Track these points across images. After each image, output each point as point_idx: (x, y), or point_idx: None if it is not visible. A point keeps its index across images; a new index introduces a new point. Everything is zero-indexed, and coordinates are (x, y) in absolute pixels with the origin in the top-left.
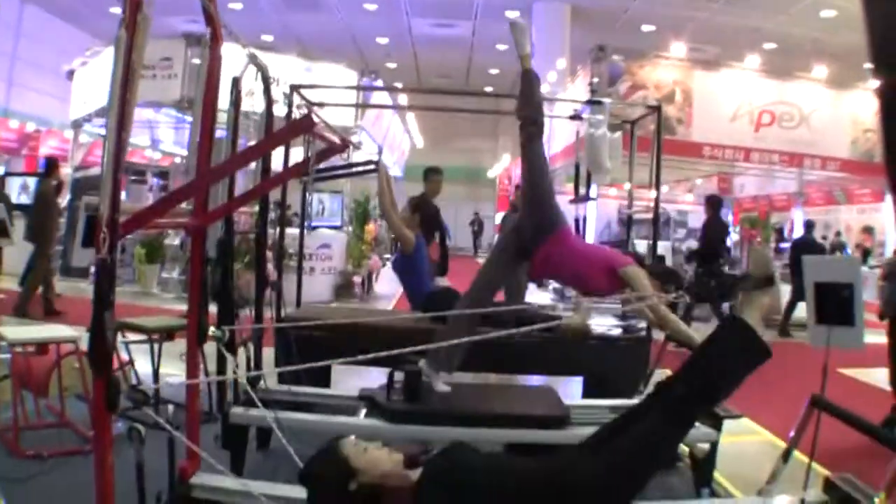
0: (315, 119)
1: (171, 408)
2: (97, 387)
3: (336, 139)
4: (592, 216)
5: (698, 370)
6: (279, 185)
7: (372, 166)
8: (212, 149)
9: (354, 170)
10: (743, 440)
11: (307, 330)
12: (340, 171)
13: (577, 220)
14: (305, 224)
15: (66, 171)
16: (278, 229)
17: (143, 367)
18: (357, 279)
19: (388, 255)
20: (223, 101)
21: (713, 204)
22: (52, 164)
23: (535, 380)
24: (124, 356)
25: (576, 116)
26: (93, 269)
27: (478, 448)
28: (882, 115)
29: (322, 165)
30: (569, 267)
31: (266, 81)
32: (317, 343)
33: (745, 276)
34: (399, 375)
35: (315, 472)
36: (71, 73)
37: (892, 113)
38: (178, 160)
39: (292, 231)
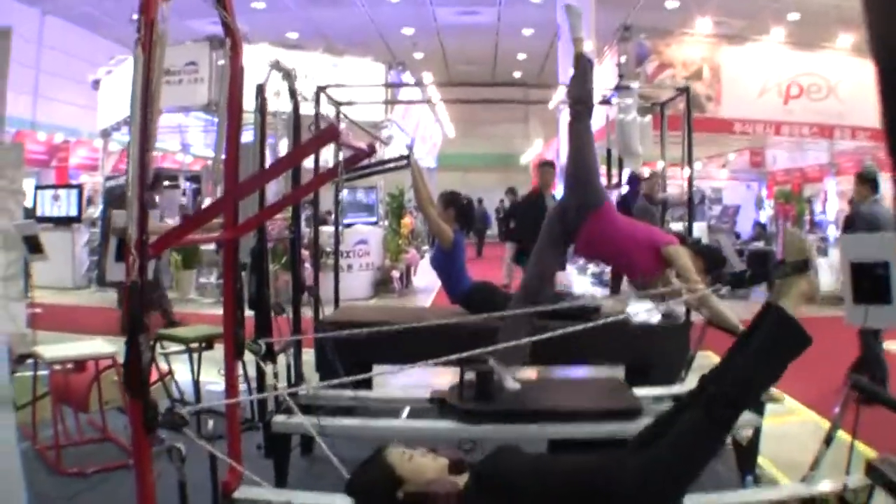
0: (342, 121)
1: (210, 423)
2: (134, 410)
3: (363, 144)
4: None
5: (739, 363)
6: (309, 193)
7: (404, 162)
8: (238, 162)
9: (386, 167)
10: (785, 420)
11: (347, 334)
12: (372, 170)
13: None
14: (340, 222)
15: (97, 181)
16: (313, 228)
17: (183, 375)
18: (395, 274)
19: (425, 248)
20: (249, 102)
21: None
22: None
23: (599, 371)
24: (164, 367)
25: (605, 101)
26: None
27: (521, 449)
28: (882, 97)
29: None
30: (612, 244)
31: (292, 87)
32: (357, 345)
33: (780, 263)
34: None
35: (361, 483)
36: (96, 83)
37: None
38: (209, 162)
39: (328, 229)
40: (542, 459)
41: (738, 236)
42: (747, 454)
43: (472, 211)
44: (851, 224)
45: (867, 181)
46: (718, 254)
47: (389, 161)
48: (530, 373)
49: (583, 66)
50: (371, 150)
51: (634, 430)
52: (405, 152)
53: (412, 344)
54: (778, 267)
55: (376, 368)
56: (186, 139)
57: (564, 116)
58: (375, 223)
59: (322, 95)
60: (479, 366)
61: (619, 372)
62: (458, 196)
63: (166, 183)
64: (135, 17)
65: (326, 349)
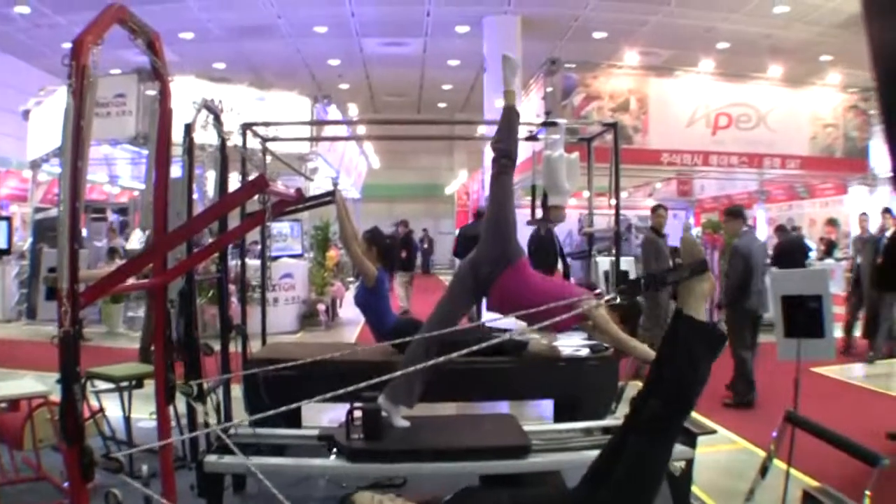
0: (268, 155)
1: (144, 467)
2: (71, 457)
3: (291, 191)
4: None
5: (664, 377)
6: (237, 238)
7: (330, 198)
8: (167, 204)
9: (312, 203)
10: (718, 449)
11: (273, 371)
12: (298, 206)
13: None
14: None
15: (25, 212)
16: (239, 263)
17: (114, 411)
18: (321, 307)
19: (350, 279)
20: (178, 135)
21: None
22: None
23: (493, 407)
24: (95, 405)
25: (532, 137)
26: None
27: (490, 492)
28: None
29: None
30: (526, 300)
31: (219, 128)
32: (284, 383)
33: (678, 267)
34: (358, 412)
35: None
36: (26, 113)
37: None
38: (136, 194)
39: (254, 262)
40: (510, 498)
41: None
42: (681, 486)
43: (394, 250)
44: (730, 259)
45: (737, 216)
46: (632, 306)
47: (315, 198)
48: (427, 410)
49: (510, 120)
50: (299, 197)
51: (522, 467)
52: (331, 187)
53: (340, 381)
54: (675, 270)
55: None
56: (114, 171)
57: (489, 148)
58: (301, 256)
59: (249, 131)
60: (367, 404)
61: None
62: (381, 234)
63: (94, 215)
64: (66, 44)
65: (255, 388)
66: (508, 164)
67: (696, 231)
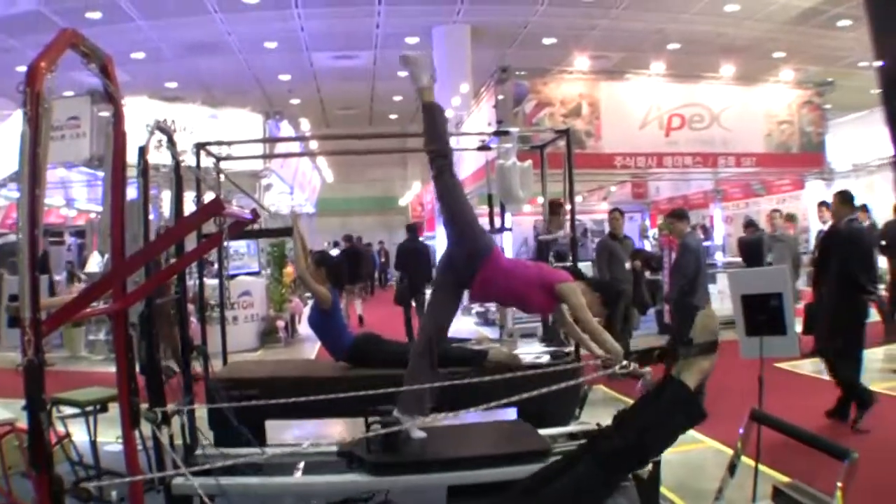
0: (221, 173)
1: (114, 493)
2: (41, 485)
3: (247, 213)
4: (509, 242)
5: (634, 425)
6: (195, 260)
7: (287, 228)
8: (123, 227)
9: (271, 232)
10: (687, 449)
11: (237, 391)
12: (257, 233)
13: None
14: (224, 277)
15: None
16: (197, 283)
17: (80, 435)
18: (280, 323)
19: (308, 294)
20: (132, 157)
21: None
22: None
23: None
24: (61, 430)
25: (484, 147)
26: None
27: None
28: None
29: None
30: (505, 288)
31: (173, 150)
32: (248, 401)
33: (689, 342)
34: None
35: None
36: None
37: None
38: (93, 216)
39: (211, 282)
40: None
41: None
42: (649, 488)
43: (342, 267)
44: (681, 255)
45: (681, 218)
46: (616, 288)
47: (274, 231)
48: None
49: (431, 115)
50: (255, 218)
51: None
52: (288, 207)
53: (299, 397)
54: (687, 346)
55: (270, 424)
56: (70, 193)
57: None
58: (258, 273)
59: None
60: (385, 417)
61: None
62: (328, 255)
63: (51, 239)
64: (19, 68)
65: (219, 408)
66: (445, 163)
67: (652, 233)
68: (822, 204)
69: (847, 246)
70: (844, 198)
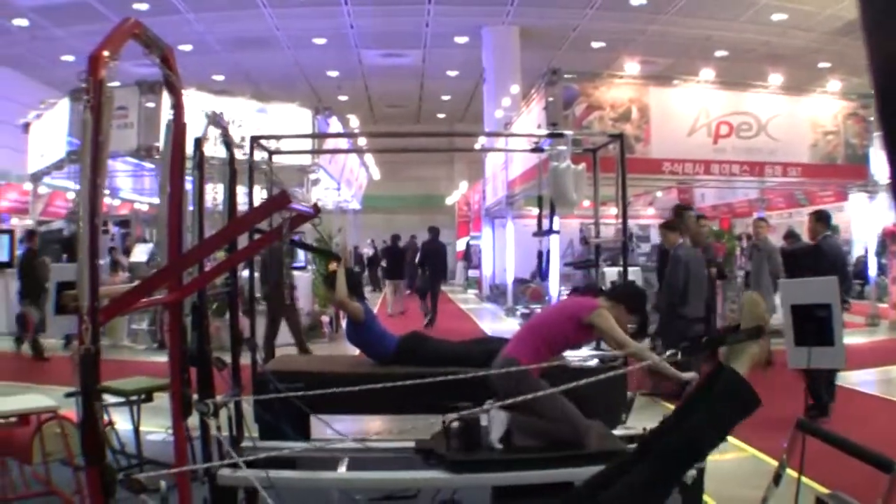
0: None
1: (163, 483)
2: (92, 476)
3: (309, 207)
4: (556, 245)
5: (688, 421)
6: (252, 255)
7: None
8: (181, 218)
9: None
10: (729, 458)
11: (286, 383)
12: (307, 247)
13: (540, 253)
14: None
15: (27, 223)
16: (249, 280)
17: (122, 424)
18: (325, 319)
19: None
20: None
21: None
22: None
23: None
24: (105, 418)
25: (537, 149)
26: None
27: None
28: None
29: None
30: (555, 346)
31: (228, 141)
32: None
33: (735, 328)
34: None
35: None
36: (26, 126)
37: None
38: (137, 206)
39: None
40: None
41: None
42: (693, 495)
43: (357, 277)
44: (665, 265)
45: (673, 229)
46: (635, 291)
47: (323, 251)
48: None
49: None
50: (317, 212)
51: None
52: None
53: (352, 393)
54: (733, 333)
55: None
56: (115, 183)
57: (490, 159)
58: (304, 268)
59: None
60: (464, 412)
61: None
62: (349, 271)
63: None
64: (64, 58)
65: (268, 401)
66: None
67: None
68: (761, 219)
69: (825, 259)
70: (820, 216)
